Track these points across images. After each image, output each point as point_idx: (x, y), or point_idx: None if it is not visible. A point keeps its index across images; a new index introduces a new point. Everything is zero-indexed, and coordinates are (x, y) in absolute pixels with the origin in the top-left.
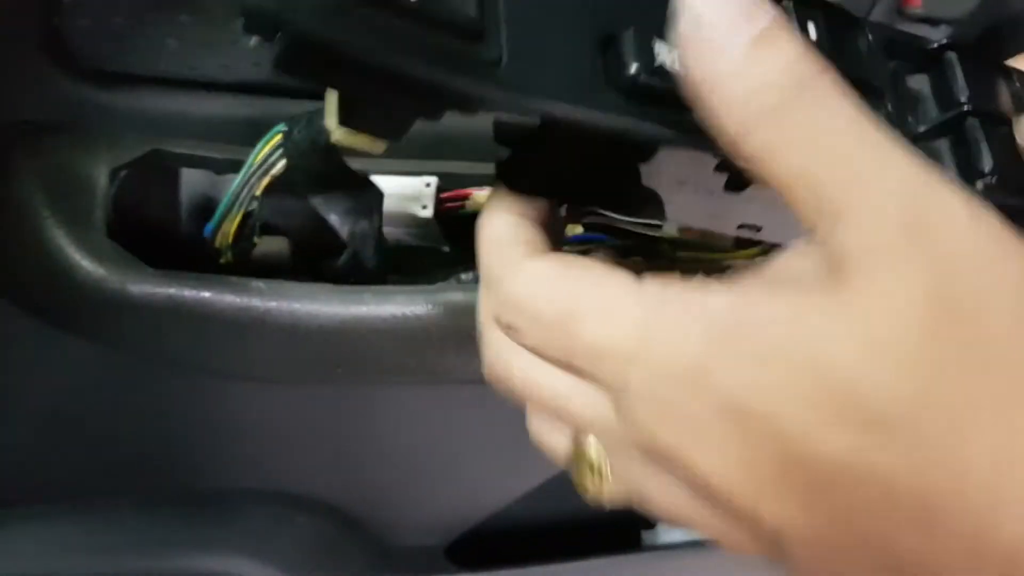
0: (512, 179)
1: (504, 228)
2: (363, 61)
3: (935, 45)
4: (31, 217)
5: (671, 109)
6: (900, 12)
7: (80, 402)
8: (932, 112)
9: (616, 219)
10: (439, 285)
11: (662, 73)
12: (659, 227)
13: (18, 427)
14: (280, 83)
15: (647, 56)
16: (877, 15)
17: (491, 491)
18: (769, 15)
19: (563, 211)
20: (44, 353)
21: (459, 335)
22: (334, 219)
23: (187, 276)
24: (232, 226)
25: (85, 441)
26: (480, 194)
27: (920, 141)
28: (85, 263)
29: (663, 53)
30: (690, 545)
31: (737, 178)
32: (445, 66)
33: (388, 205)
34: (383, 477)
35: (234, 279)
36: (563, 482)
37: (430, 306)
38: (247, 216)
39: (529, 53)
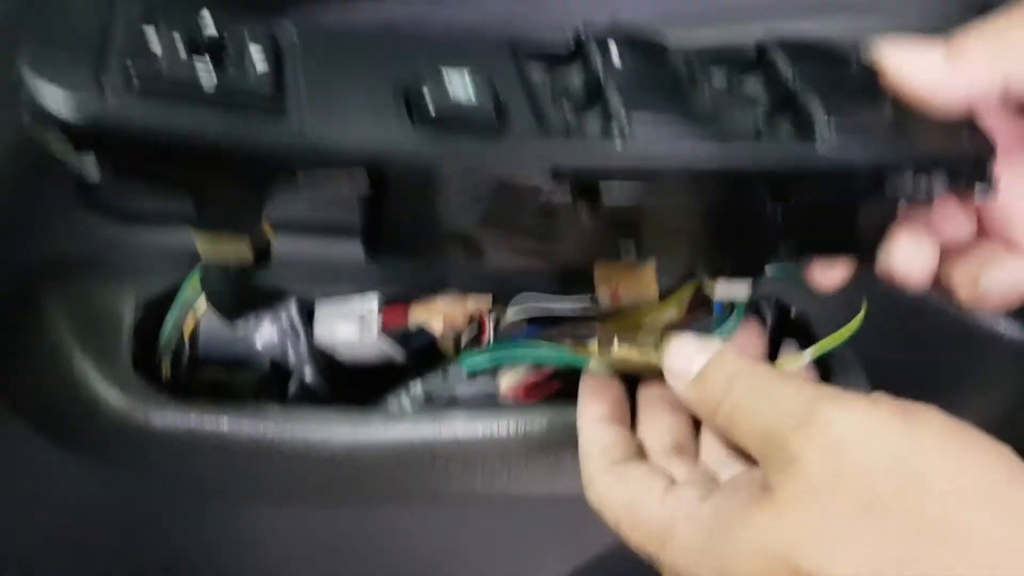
0: (376, 248)
1: (585, 438)
2: (167, 143)
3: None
4: (58, 349)
5: (475, 137)
6: None
7: (98, 523)
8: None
9: (551, 308)
10: (444, 411)
11: (456, 104)
12: (592, 307)
13: (39, 548)
14: (302, 220)
15: (440, 89)
16: None
17: None
18: (703, 358)
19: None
20: (62, 476)
21: (464, 459)
22: (264, 342)
23: (206, 405)
24: (166, 365)
25: (103, 562)
26: (419, 307)
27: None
28: (110, 395)
29: (453, 85)
30: None
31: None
32: (247, 135)
33: (333, 324)
34: None
35: (251, 406)
36: None
37: (436, 431)
38: (179, 353)
39: (331, 114)
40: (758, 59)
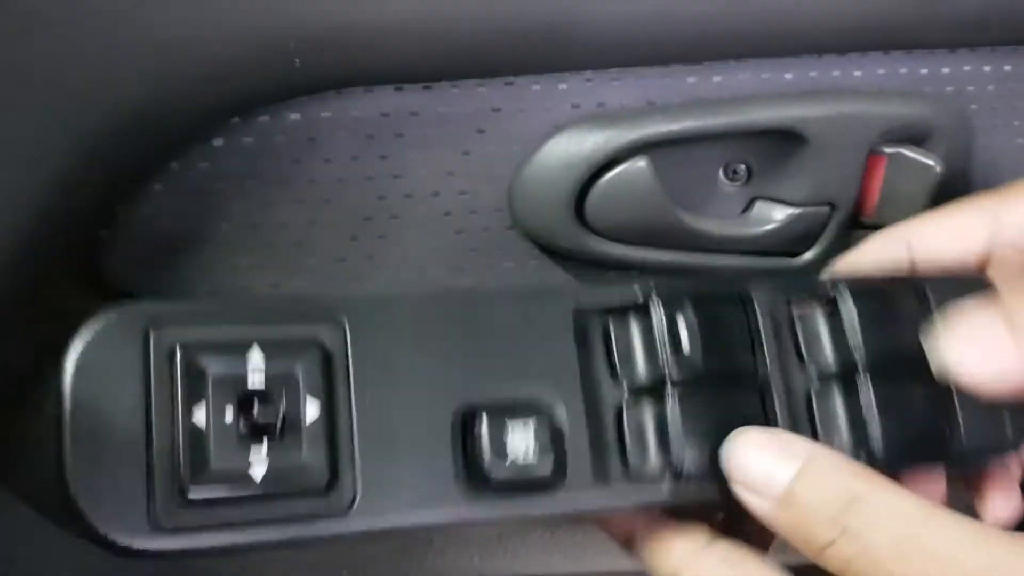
0: None
1: None
2: (219, 553)
3: (831, 295)
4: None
5: (530, 495)
6: (856, 223)
7: None
8: (827, 365)
9: None
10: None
11: (515, 467)
12: None
13: None
14: None
15: (499, 447)
16: (834, 227)
17: None
18: (804, 452)
19: None
20: (60, 560)
21: (459, 539)
22: None
23: None
24: None
25: None
26: None
27: (816, 399)
28: None
29: (514, 441)
30: None
31: None
32: (295, 528)
33: None
34: None
35: None
36: None
37: None
38: None
39: (382, 481)
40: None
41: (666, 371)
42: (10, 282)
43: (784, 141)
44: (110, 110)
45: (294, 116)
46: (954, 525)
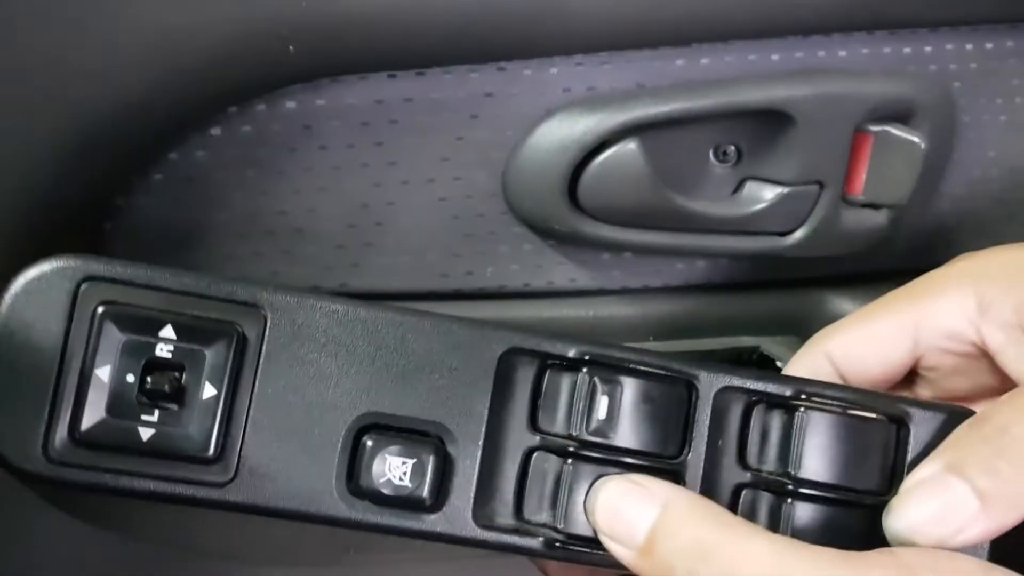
0: None
1: None
2: (100, 492)
3: (788, 393)
4: None
5: (400, 512)
6: (845, 200)
7: None
8: (764, 471)
9: None
10: None
11: (388, 484)
12: None
13: None
14: None
15: (381, 462)
16: (823, 205)
17: None
18: (662, 498)
19: None
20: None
21: None
22: None
23: None
24: None
25: None
26: None
27: (742, 500)
28: None
29: (396, 460)
30: None
31: None
32: (174, 487)
33: None
34: None
35: None
36: None
37: None
38: None
39: (264, 466)
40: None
41: (574, 432)
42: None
43: (772, 121)
44: (109, 100)
45: (290, 104)
46: (811, 566)
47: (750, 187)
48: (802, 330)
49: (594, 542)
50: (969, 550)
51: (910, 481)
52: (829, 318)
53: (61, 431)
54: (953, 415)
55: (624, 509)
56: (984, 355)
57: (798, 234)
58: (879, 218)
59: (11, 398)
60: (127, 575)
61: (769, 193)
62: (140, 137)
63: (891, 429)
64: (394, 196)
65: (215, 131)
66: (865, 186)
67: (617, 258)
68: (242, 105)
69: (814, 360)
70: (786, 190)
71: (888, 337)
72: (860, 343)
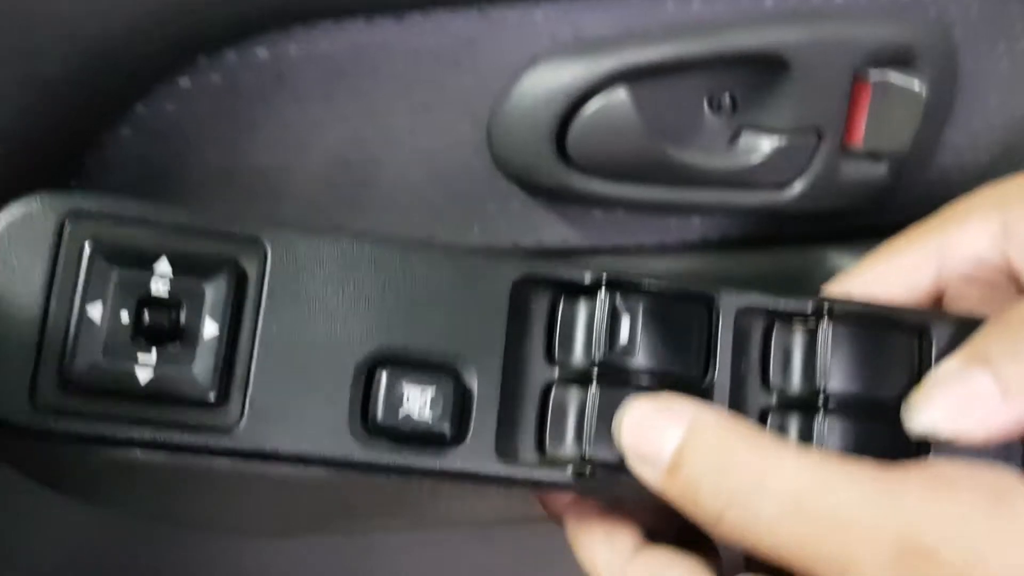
0: None
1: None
2: (95, 442)
3: (809, 310)
4: None
5: (419, 448)
6: (844, 150)
7: (79, 564)
8: (790, 390)
9: None
10: None
11: (407, 419)
12: None
13: None
14: None
15: (396, 398)
16: (822, 156)
17: None
18: (689, 415)
19: None
20: (43, 517)
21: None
22: None
23: None
24: None
25: None
26: None
27: (770, 421)
28: None
29: (413, 395)
30: None
31: None
32: (175, 434)
33: None
34: None
35: None
36: None
37: None
38: None
39: (271, 408)
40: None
41: (597, 357)
42: None
43: (767, 68)
44: (71, 48)
45: (261, 53)
46: (846, 480)
47: (746, 137)
48: (803, 288)
49: (624, 470)
50: (1011, 461)
51: (931, 378)
52: (829, 276)
53: (49, 376)
54: (976, 323)
55: (650, 428)
56: (1010, 281)
57: (797, 186)
58: (880, 169)
59: None
60: (114, 550)
61: (766, 144)
62: (105, 87)
63: (914, 339)
64: (375, 152)
65: (183, 82)
66: (865, 135)
67: (609, 215)
68: (211, 53)
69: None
70: (783, 140)
71: (911, 269)
72: (882, 278)
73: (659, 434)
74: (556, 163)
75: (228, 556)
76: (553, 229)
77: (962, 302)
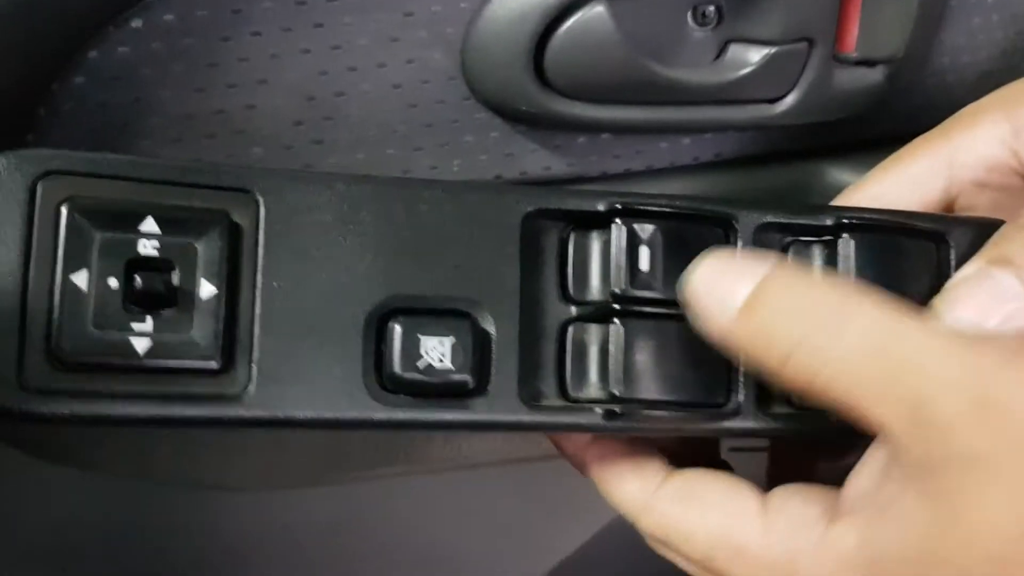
0: None
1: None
2: (93, 423)
3: (829, 223)
4: None
5: (441, 401)
6: (836, 58)
7: (79, 531)
8: None
9: None
10: None
11: (428, 370)
12: None
13: (15, 564)
14: None
15: (413, 349)
16: (814, 66)
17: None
18: (769, 263)
19: None
20: (34, 486)
21: None
22: None
23: None
24: None
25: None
26: None
27: None
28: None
29: (430, 344)
30: None
31: None
32: (180, 407)
33: None
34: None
35: None
36: (584, 555)
37: None
38: None
39: (280, 371)
40: None
41: (617, 290)
42: None
43: None
44: None
45: None
46: (928, 329)
47: (734, 50)
48: None
49: (655, 404)
50: None
51: (952, 282)
52: (828, 191)
53: (37, 355)
54: (993, 226)
55: (724, 274)
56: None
57: (789, 99)
58: (875, 76)
59: None
60: (107, 512)
61: (755, 55)
62: (52, 34)
63: (932, 245)
64: (342, 85)
65: (136, 23)
66: (858, 41)
67: (594, 140)
68: None
69: None
70: (773, 50)
71: (919, 179)
72: (891, 191)
73: (736, 276)
74: (535, 87)
75: (223, 512)
76: (535, 158)
77: (974, 209)
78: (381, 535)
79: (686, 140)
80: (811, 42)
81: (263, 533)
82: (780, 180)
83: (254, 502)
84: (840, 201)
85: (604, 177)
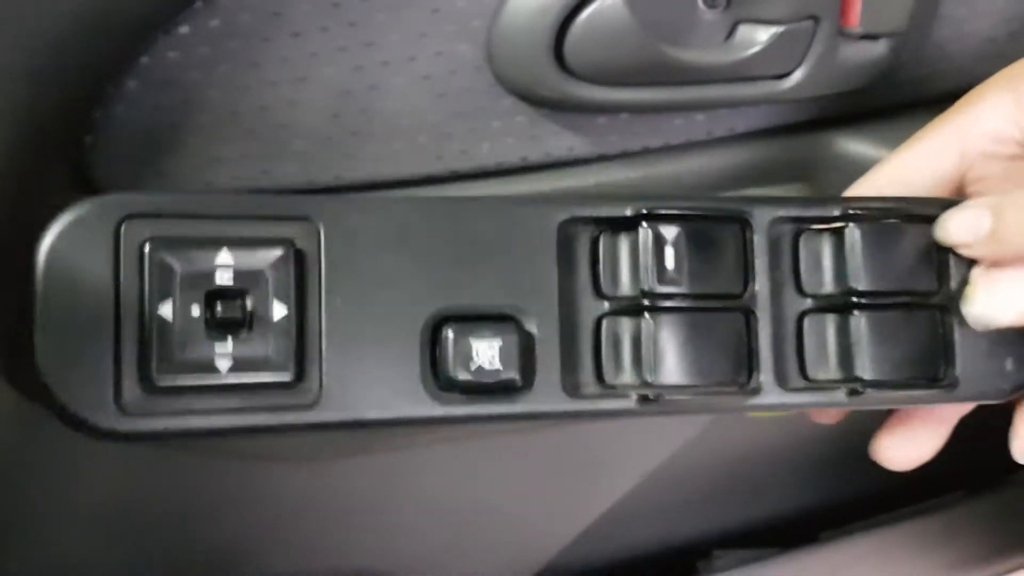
0: None
1: None
2: (183, 437)
3: (836, 213)
4: None
5: (492, 397)
6: (842, 33)
7: (131, 504)
8: (823, 293)
9: None
10: None
11: (479, 371)
12: None
13: (77, 539)
14: None
15: (466, 352)
16: (820, 42)
17: (543, 538)
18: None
19: None
20: (94, 462)
21: None
22: None
23: None
24: None
25: (140, 542)
26: None
27: (807, 325)
28: None
29: (481, 347)
30: (743, 567)
31: None
32: (260, 417)
33: None
34: (430, 541)
35: None
36: (611, 520)
37: None
38: None
39: (348, 379)
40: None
41: (646, 287)
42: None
43: None
44: (68, 7)
45: None
46: None
47: (743, 30)
48: (812, 175)
49: (684, 388)
50: None
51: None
52: (838, 160)
53: (132, 380)
54: None
55: (963, 213)
56: None
57: (797, 74)
58: (879, 49)
59: (72, 355)
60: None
61: (763, 34)
62: (108, 44)
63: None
64: (376, 79)
65: (183, 29)
66: (862, 16)
67: (613, 120)
68: None
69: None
70: (780, 29)
71: (934, 153)
72: (908, 166)
73: (973, 210)
74: (556, 74)
75: (271, 482)
76: (559, 139)
77: (987, 179)
78: (417, 501)
79: (700, 117)
80: (816, 19)
81: (307, 503)
82: (791, 151)
83: (295, 472)
84: (864, 177)
85: (624, 155)
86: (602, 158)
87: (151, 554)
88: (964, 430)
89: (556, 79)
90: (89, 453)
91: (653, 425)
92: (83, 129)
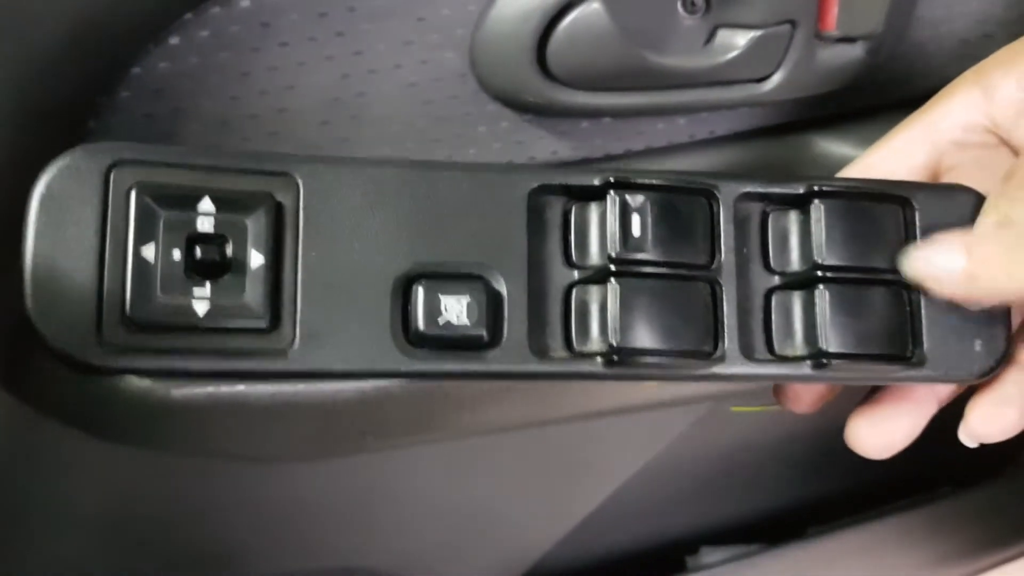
0: None
1: None
2: (159, 375)
3: (801, 191)
4: None
5: (460, 353)
6: (819, 36)
7: (127, 506)
8: (789, 268)
9: None
10: None
11: (447, 326)
12: None
13: (74, 541)
14: None
15: (434, 308)
16: (798, 45)
17: (533, 537)
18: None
19: None
20: (91, 464)
21: (474, 389)
22: None
23: None
24: None
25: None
26: None
27: (775, 299)
28: (132, 376)
29: (449, 303)
30: (731, 563)
31: None
32: (235, 362)
33: None
34: (420, 541)
35: None
36: (600, 518)
37: None
38: None
39: (320, 329)
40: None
41: (613, 253)
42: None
43: None
44: (61, 20)
45: (244, 3)
46: None
47: (722, 35)
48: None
49: (649, 352)
50: None
51: (976, 235)
52: (818, 160)
53: (113, 317)
54: (954, 191)
55: (935, 250)
56: (1000, 144)
57: (775, 78)
58: (856, 51)
59: (57, 292)
60: (154, 487)
61: (742, 39)
62: (99, 55)
63: (898, 209)
64: (363, 87)
65: (174, 40)
66: (838, 19)
67: (597, 124)
68: (197, 10)
69: None
70: (758, 33)
71: (905, 147)
72: (882, 160)
73: (945, 246)
74: (540, 80)
75: (265, 483)
76: (543, 144)
77: (960, 167)
78: (406, 502)
79: (682, 120)
80: (794, 23)
81: (298, 504)
82: (771, 153)
83: (288, 473)
84: (838, 174)
85: (607, 158)
86: (586, 161)
87: (147, 555)
88: (947, 426)
89: (539, 85)
90: (84, 456)
91: (640, 423)
92: (77, 139)
